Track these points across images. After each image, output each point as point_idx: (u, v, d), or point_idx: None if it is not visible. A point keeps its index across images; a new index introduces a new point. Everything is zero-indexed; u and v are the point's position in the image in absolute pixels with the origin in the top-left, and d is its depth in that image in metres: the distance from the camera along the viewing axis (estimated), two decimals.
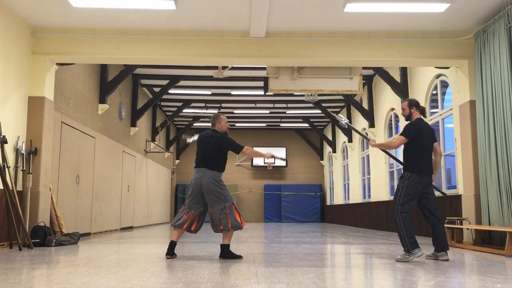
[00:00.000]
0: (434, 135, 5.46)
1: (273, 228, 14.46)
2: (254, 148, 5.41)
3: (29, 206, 7.07)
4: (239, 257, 5.25)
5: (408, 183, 5.18)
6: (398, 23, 7.43)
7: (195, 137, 5.79)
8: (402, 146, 5.42)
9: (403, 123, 10.97)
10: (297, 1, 6.66)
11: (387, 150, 5.81)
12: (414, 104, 5.44)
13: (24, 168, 7.12)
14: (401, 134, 5.33)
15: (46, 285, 3.50)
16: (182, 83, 13.54)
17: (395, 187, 11.98)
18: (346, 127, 5.80)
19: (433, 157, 5.46)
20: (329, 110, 16.74)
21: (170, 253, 5.27)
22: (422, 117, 5.45)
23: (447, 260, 5.17)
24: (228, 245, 5.25)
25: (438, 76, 9.27)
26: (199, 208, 5.30)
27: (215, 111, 17.15)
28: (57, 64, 7.96)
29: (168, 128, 19.23)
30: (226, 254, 5.22)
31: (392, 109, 11.94)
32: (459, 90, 7.96)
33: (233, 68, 11.22)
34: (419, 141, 5.25)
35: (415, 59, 7.88)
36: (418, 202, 5.31)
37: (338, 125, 5.87)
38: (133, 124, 13.73)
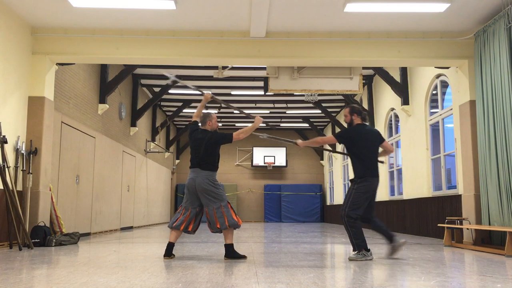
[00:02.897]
0: (380, 136, 5.55)
1: (273, 228, 14.46)
2: (244, 129, 5.44)
3: (29, 206, 7.07)
4: (243, 257, 5.25)
5: (358, 187, 5.26)
6: (398, 23, 7.43)
7: (172, 78, 5.88)
8: (341, 150, 5.60)
9: (403, 123, 10.98)
10: (297, 1, 6.66)
11: (327, 146, 5.88)
12: (355, 111, 5.55)
13: (24, 168, 7.12)
14: (334, 135, 5.51)
15: (46, 285, 3.50)
16: (182, 83, 13.52)
17: (395, 187, 12.07)
18: (267, 138, 5.93)
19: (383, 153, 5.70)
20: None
21: (168, 254, 5.28)
22: (363, 123, 5.56)
23: (405, 242, 5.37)
24: (232, 244, 5.24)
25: (438, 76, 9.27)
26: (195, 208, 5.31)
27: (215, 111, 17.16)
28: (57, 64, 7.96)
29: (168, 128, 19.23)
30: (231, 254, 5.21)
31: (392, 109, 11.94)
32: (459, 90, 7.96)
33: (233, 68, 11.22)
34: (362, 146, 5.36)
35: (415, 59, 7.88)
36: None
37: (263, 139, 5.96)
38: (133, 124, 13.73)
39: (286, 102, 16.09)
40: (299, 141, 5.69)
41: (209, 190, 5.17)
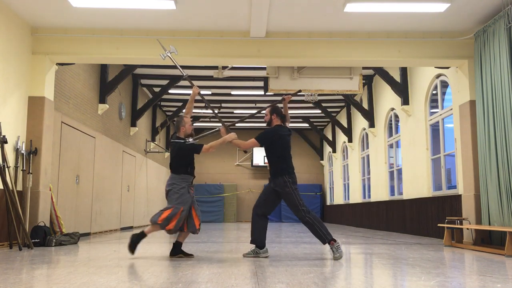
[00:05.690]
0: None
1: (273, 228, 14.46)
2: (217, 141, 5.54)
3: (29, 206, 7.07)
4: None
5: (292, 185, 5.47)
6: (398, 23, 7.43)
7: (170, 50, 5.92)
8: (255, 149, 5.74)
9: (403, 123, 10.98)
10: (297, 1, 6.66)
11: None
12: (275, 111, 5.69)
13: (24, 168, 7.12)
14: (256, 138, 5.55)
15: (46, 285, 3.50)
16: (182, 83, 13.53)
17: (395, 187, 12.06)
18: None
19: None
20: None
21: (175, 253, 5.47)
22: (282, 124, 5.71)
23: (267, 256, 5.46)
24: (142, 234, 5.37)
25: (438, 76, 9.27)
26: (186, 209, 5.55)
27: (216, 111, 17.12)
28: (57, 64, 7.96)
29: (168, 128, 19.23)
30: (132, 242, 5.40)
31: (392, 109, 11.94)
32: (459, 90, 7.97)
33: (233, 68, 11.22)
34: (282, 145, 5.60)
35: (415, 59, 7.88)
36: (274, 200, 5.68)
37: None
38: (133, 124, 13.73)
39: None
40: (230, 135, 5.60)
41: (168, 190, 5.53)
